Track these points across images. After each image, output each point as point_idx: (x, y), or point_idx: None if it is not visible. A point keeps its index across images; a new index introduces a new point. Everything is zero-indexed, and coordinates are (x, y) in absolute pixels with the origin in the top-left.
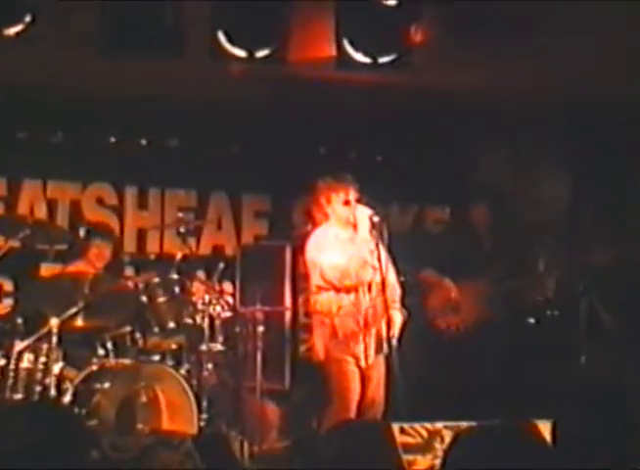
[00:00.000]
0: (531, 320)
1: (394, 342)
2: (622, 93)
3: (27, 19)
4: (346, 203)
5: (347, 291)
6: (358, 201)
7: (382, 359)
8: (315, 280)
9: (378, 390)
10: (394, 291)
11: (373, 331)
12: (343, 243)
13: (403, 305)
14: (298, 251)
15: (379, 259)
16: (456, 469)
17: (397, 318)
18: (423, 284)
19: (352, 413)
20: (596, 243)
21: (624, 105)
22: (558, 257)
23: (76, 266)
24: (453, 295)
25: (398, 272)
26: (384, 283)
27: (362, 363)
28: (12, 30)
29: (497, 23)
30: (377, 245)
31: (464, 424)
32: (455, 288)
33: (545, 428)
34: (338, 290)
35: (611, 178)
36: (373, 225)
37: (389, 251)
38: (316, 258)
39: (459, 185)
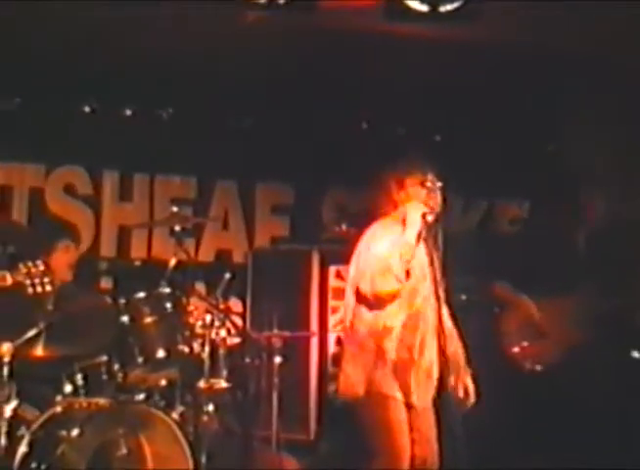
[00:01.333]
0: (636, 354)
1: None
2: None
3: None
4: (423, 184)
5: (389, 303)
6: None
7: (434, 404)
8: (356, 290)
9: (430, 443)
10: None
11: (430, 360)
12: (395, 242)
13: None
14: (329, 257)
15: (435, 269)
16: None
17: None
18: (494, 303)
19: None
20: None
21: None
22: None
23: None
24: (535, 315)
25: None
26: (447, 301)
27: (415, 405)
28: None
29: None
30: (430, 251)
31: None
32: (537, 306)
33: None
34: (383, 303)
35: None
36: (426, 225)
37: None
38: (368, 264)
39: (542, 173)
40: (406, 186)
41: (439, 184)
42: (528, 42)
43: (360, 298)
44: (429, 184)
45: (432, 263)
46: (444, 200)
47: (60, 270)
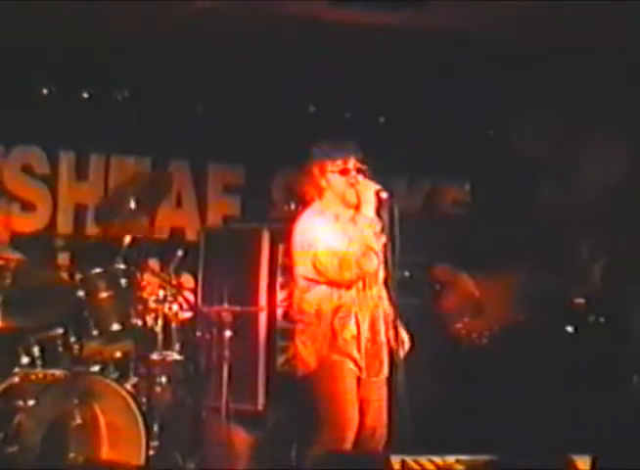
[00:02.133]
0: (569, 328)
1: (402, 352)
2: None
3: None
4: (344, 172)
5: (348, 286)
6: (361, 171)
7: (385, 374)
8: (304, 271)
9: (378, 413)
10: None
11: (377, 338)
12: (343, 224)
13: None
14: (279, 235)
15: (386, 246)
16: None
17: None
18: (436, 280)
19: (345, 443)
20: None
21: None
22: (605, 247)
23: None
24: (474, 292)
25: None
26: (391, 278)
27: (363, 377)
28: None
29: None
30: (383, 228)
31: (482, 458)
32: (476, 286)
33: (584, 465)
34: (334, 284)
35: None
36: (380, 203)
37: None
38: (308, 243)
39: (482, 155)
40: (326, 172)
41: (359, 167)
42: (467, 30)
43: (321, 275)
44: (350, 168)
45: (384, 240)
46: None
47: None
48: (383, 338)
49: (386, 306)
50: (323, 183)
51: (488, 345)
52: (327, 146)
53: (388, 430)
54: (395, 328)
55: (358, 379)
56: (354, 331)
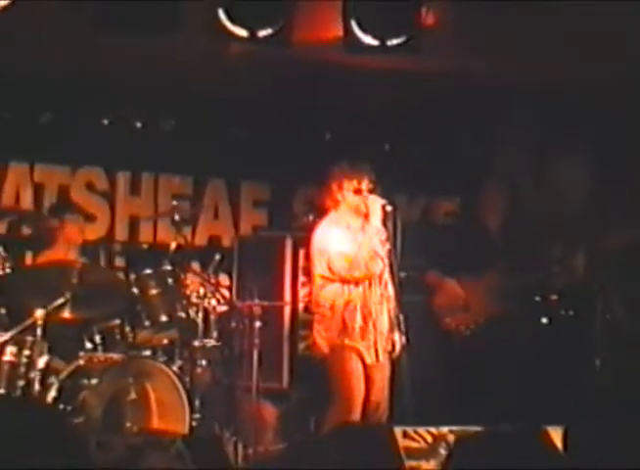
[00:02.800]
0: (544, 320)
1: (402, 340)
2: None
3: None
4: (358, 191)
5: (356, 283)
6: (371, 191)
7: (388, 359)
8: (320, 271)
9: (382, 391)
10: None
11: (381, 328)
12: (354, 232)
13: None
14: (300, 242)
15: (390, 252)
16: None
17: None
18: (431, 280)
19: (355, 415)
20: (614, 237)
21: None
22: (572, 251)
23: (54, 253)
24: (462, 290)
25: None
26: (394, 278)
27: (368, 362)
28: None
29: (510, 6)
30: (388, 236)
31: (470, 429)
32: (461, 287)
33: (557, 435)
34: (345, 281)
35: (628, 169)
36: (386, 215)
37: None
38: (324, 247)
39: (470, 176)
40: (343, 189)
41: (372, 186)
42: (457, 71)
43: (335, 275)
44: (362, 188)
45: (390, 248)
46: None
47: (66, 247)
48: (385, 328)
49: (389, 302)
50: (339, 197)
51: (473, 334)
52: (344, 168)
53: (390, 405)
54: (397, 320)
55: (364, 362)
56: (361, 322)
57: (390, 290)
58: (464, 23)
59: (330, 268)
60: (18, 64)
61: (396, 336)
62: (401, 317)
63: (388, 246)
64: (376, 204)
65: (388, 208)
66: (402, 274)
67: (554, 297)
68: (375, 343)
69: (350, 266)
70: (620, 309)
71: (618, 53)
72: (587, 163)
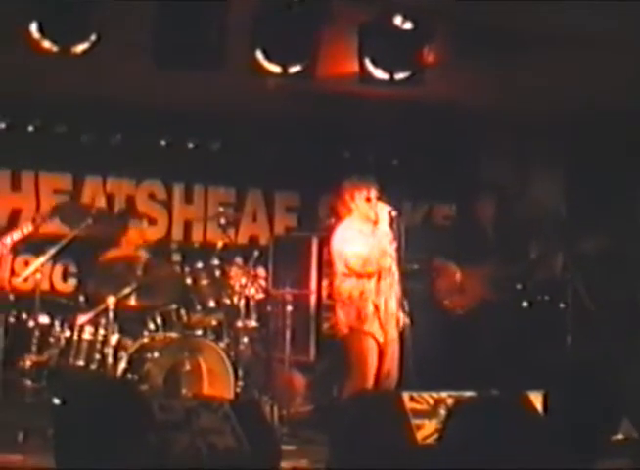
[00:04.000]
0: (525, 304)
1: (407, 321)
2: (609, 108)
3: (93, 37)
4: (368, 200)
5: (369, 277)
6: (379, 198)
7: (396, 336)
8: (340, 268)
9: (392, 363)
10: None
11: (389, 312)
12: (366, 235)
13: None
14: (324, 241)
15: (397, 250)
16: (455, 433)
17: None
18: (432, 270)
19: (369, 384)
20: (583, 236)
21: (610, 118)
22: (549, 249)
23: (122, 251)
24: (458, 279)
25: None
26: (399, 271)
27: (380, 339)
28: (79, 48)
29: (502, 43)
30: (395, 237)
31: (465, 393)
32: (459, 273)
33: (537, 399)
34: (360, 276)
35: (598, 181)
36: (392, 220)
37: (405, 243)
38: (341, 249)
39: (465, 186)
40: (354, 198)
41: (379, 195)
42: (454, 100)
43: (351, 271)
44: (371, 196)
45: (396, 247)
46: (393, 204)
47: (132, 245)
48: (393, 311)
49: (396, 291)
50: (353, 206)
51: (468, 314)
52: (355, 180)
53: (398, 374)
54: (402, 306)
55: (376, 340)
56: (373, 308)
57: (397, 280)
58: (461, 60)
59: (347, 266)
60: (94, 95)
61: (402, 317)
62: (405, 302)
63: (394, 245)
64: (383, 210)
65: (394, 213)
66: (411, 266)
67: (534, 285)
68: (384, 324)
69: (364, 264)
70: (587, 296)
71: (590, 85)
72: (563, 177)
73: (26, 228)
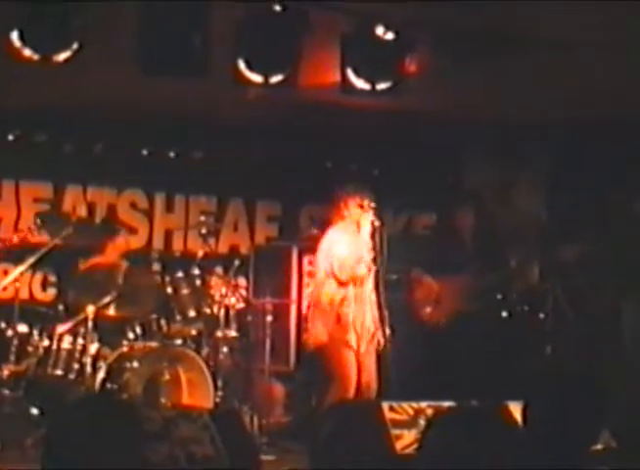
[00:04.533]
0: (504, 314)
1: (386, 331)
2: (594, 114)
3: (75, 46)
4: (361, 207)
5: (347, 284)
6: (362, 208)
7: (374, 347)
8: (322, 273)
9: (371, 373)
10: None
11: (367, 321)
12: (347, 244)
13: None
14: (304, 251)
15: (375, 260)
16: (434, 444)
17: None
18: (410, 282)
19: (349, 394)
20: (561, 246)
21: (591, 125)
22: (528, 257)
23: (102, 259)
24: (434, 290)
25: (390, 271)
26: (378, 281)
27: (359, 349)
28: (61, 56)
29: (482, 52)
30: (374, 246)
31: (444, 404)
32: (437, 284)
33: (516, 409)
34: (340, 283)
35: (579, 189)
36: (374, 229)
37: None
38: (330, 252)
39: (445, 195)
40: (348, 206)
41: (371, 205)
42: (435, 110)
43: (331, 278)
44: (364, 205)
45: (375, 256)
46: (376, 214)
47: (114, 254)
48: (372, 321)
49: (374, 299)
50: (346, 213)
51: (445, 325)
52: (351, 189)
53: (378, 385)
54: (381, 314)
55: (355, 350)
56: (353, 316)
57: (375, 289)
58: (441, 70)
59: (332, 270)
60: (75, 104)
61: (381, 327)
62: (385, 311)
63: (373, 254)
64: (366, 219)
65: (376, 223)
66: (390, 276)
67: (514, 295)
68: (363, 333)
69: (345, 270)
70: (566, 305)
71: (573, 94)
72: (543, 187)
73: (14, 237)
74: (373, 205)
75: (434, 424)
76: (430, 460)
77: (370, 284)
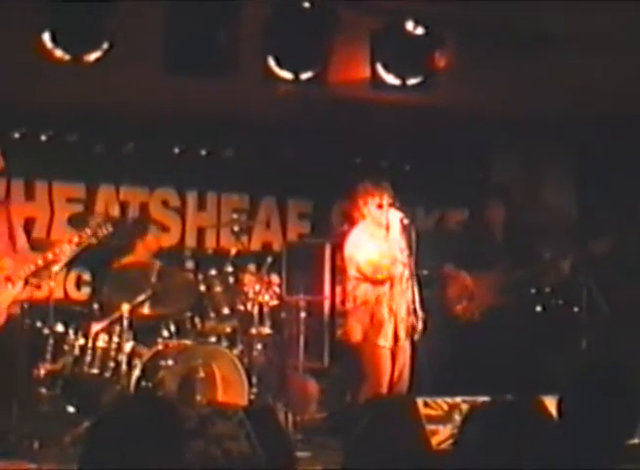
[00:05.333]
0: (538, 308)
1: (420, 327)
2: (622, 110)
3: (105, 46)
4: (380, 206)
5: (381, 283)
6: (391, 205)
7: (408, 343)
8: (352, 273)
9: (405, 369)
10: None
11: (402, 318)
12: (378, 241)
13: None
14: (336, 247)
15: (408, 257)
16: (470, 438)
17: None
18: (443, 277)
19: (383, 389)
20: (596, 242)
21: (623, 121)
22: (560, 251)
23: (136, 258)
24: (468, 285)
25: (423, 268)
26: (412, 278)
27: (392, 346)
28: (92, 57)
29: (512, 48)
30: (407, 244)
31: (479, 399)
32: (470, 279)
33: (551, 403)
34: (372, 282)
35: (610, 182)
36: (404, 227)
37: (417, 249)
38: (353, 254)
39: (476, 191)
40: (368, 204)
41: (395, 202)
42: (466, 105)
43: (363, 276)
44: (383, 203)
45: (408, 255)
46: (405, 211)
47: (146, 252)
48: (406, 317)
49: (408, 297)
50: (365, 211)
51: (479, 320)
52: (368, 186)
53: (410, 380)
54: (415, 311)
55: (390, 347)
56: (387, 314)
57: (410, 287)
58: (471, 64)
59: (359, 271)
60: (107, 104)
61: (415, 323)
62: (419, 308)
63: (406, 252)
64: (395, 217)
65: (406, 221)
66: (423, 272)
67: (547, 289)
68: (397, 330)
69: (374, 270)
70: (600, 298)
71: (602, 89)
72: (575, 182)
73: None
74: (397, 202)
75: (470, 419)
76: (467, 455)
77: (404, 281)
